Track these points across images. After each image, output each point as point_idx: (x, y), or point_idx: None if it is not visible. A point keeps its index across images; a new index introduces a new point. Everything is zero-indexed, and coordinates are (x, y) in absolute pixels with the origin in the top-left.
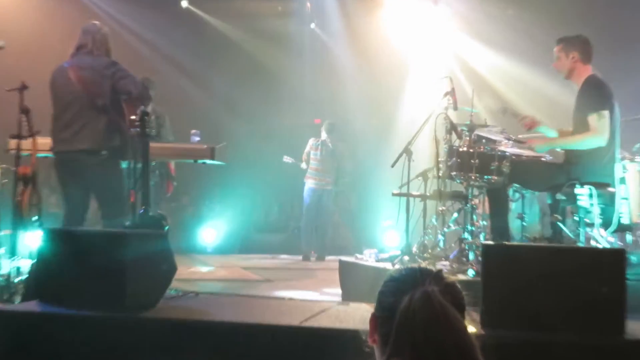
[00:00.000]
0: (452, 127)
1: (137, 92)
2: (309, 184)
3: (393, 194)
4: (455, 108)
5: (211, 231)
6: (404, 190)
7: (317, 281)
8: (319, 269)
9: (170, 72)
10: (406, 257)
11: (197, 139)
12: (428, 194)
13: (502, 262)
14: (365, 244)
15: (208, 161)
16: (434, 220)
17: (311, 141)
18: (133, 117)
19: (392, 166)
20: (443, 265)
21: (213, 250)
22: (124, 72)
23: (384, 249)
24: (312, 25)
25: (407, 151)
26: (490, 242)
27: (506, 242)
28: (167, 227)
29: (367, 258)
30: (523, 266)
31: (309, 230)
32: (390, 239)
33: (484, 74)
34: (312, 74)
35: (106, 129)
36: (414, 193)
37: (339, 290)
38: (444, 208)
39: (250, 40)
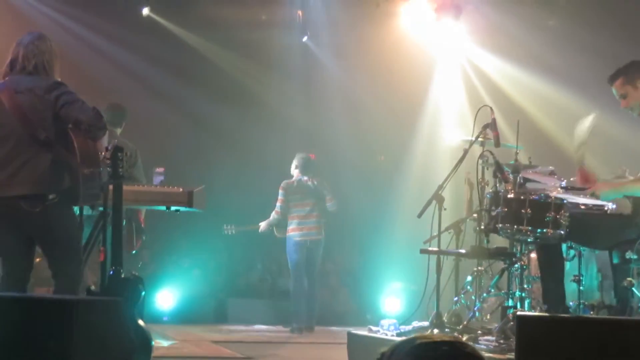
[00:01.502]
0: (498, 169)
1: (88, 121)
2: (293, 236)
3: (422, 251)
4: (497, 144)
5: (168, 295)
6: (429, 244)
7: (311, 358)
8: (309, 342)
9: (131, 94)
10: (436, 330)
11: (161, 178)
12: (462, 250)
13: (545, 339)
14: (369, 310)
15: (182, 208)
16: (468, 283)
17: (284, 184)
18: (102, 152)
19: (420, 216)
20: (485, 341)
21: (170, 319)
22: (70, 95)
23: (383, 316)
24: (305, 39)
25: (437, 197)
26: (527, 313)
27: (562, 313)
28: (143, 293)
29: (385, 330)
30: (574, 345)
31: (300, 294)
32: (391, 304)
33: (519, 100)
34: (304, 97)
35: (51, 167)
36: (450, 250)
37: None
38: (481, 268)
39: (227, 55)
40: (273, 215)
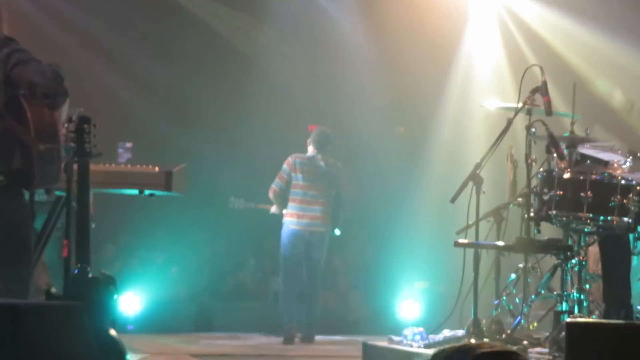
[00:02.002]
0: (552, 143)
1: (45, 85)
2: (289, 223)
3: (456, 244)
4: (549, 112)
5: (132, 298)
6: (464, 236)
7: None
8: (309, 356)
9: (90, 58)
10: (472, 340)
11: (128, 155)
12: (505, 242)
13: (600, 348)
14: (385, 316)
15: (160, 192)
16: (511, 283)
17: (291, 159)
18: (66, 124)
19: (453, 201)
20: (537, 354)
21: (137, 327)
22: (23, 53)
23: (400, 324)
24: None
25: (474, 178)
26: (578, 319)
27: (625, 317)
28: (115, 296)
29: (410, 341)
30: (633, 356)
31: (292, 296)
32: (409, 310)
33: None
34: (307, 58)
35: (0, 144)
36: (490, 243)
37: None
38: (528, 265)
39: (212, 10)
40: (270, 194)
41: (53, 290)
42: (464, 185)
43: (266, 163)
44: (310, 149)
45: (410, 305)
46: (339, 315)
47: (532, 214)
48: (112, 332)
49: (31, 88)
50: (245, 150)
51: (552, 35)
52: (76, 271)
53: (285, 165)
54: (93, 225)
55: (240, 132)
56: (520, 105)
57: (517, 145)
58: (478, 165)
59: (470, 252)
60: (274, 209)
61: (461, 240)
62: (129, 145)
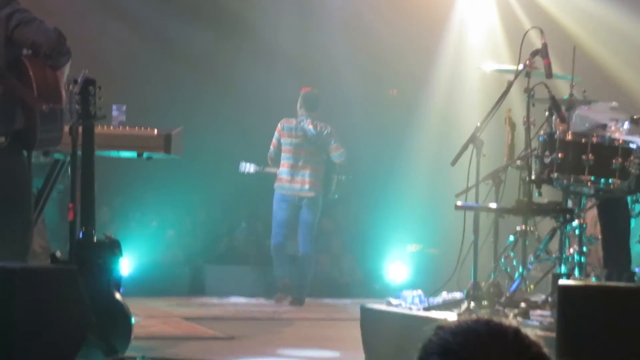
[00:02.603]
0: (554, 106)
1: (48, 45)
2: (280, 189)
3: (457, 207)
4: (550, 75)
5: (124, 260)
6: (464, 198)
7: (305, 338)
8: (302, 318)
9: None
10: (472, 304)
11: (122, 118)
12: (504, 205)
13: (592, 311)
14: (374, 279)
15: (158, 155)
16: (509, 246)
17: (282, 124)
18: (70, 85)
19: (454, 163)
20: (539, 316)
21: (127, 290)
22: (25, 13)
23: (389, 287)
24: None
25: (475, 141)
26: (570, 282)
27: (627, 280)
28: (120, 259)
29: (409, 304)
30: (630, 319)
31: (282, 259)
32: (397, 272)
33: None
34: (297, 18)
35: (2, 105)
36: (494, 206)
37: (355, 355)
38: (527, 228)
39: None
40: (268, 160)
41: (58, 253)
42: (464, 147)
43: (257, 126)
44: (301, 112)
45: (399, 267)
46: (330, 278)
47: (533, 177)
48: (118, 295)
49: (34, 48)
50: (242, 114)
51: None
52: (81, 235)
53: (275, 132)
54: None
55: (237, 95)
56: (520, 67)
57: (514, 109)
58: (478, 128)
59: (469, 215)
60: (269, 168)
61: (460, 203)
62: (123, 107)
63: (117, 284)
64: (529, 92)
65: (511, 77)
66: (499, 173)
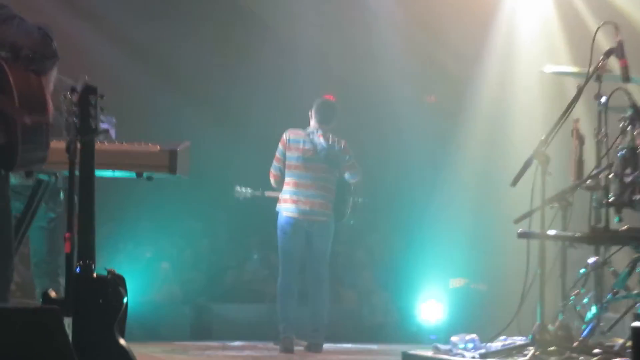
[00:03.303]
0: (637, 115)
1: (31, 46)
2: (284, 210)
3: (520, 235)
4: (627, 78)
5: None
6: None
7: None
8: None
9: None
10: (536, 352)
11: (112, 132)
12: (574, 233)
13: None
14: (401, 319)
15: (161, 175)
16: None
17: (285, 135)
18: (68, 94)
19: (514, 184)
20: None
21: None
22: (4, 9)
23: (422, 328)
24: None
25: (539, 157)
26: None
27: None
28: (125, 299)
29: (462, 350)
30: None
31: (289, 297)
32: (430, 312)
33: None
34: (325, 22)
35: None
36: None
37: None
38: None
39: None
40: (271, 179)
41: (52, 293)
42: (526, 165)
43: (273, 140)
44: (312, 123)
45: (433, 306)
46: (360, 318)
47: (611, 199)
48: (122, 341)
49: (14, 50)
50: (251, 125)
51: None
52: (78, 269)
53: (280, 145)
54: None
55: (244, 103)
56: (591, 69)
57: (582, 118)
58: (544, 142)
59: (529, 244)
60: (270, 192)
61: (527, 230)
62: (113, 120)
63: (121, 328)
64: (598, 98)
65: (576, 81)
66: (565, 195)
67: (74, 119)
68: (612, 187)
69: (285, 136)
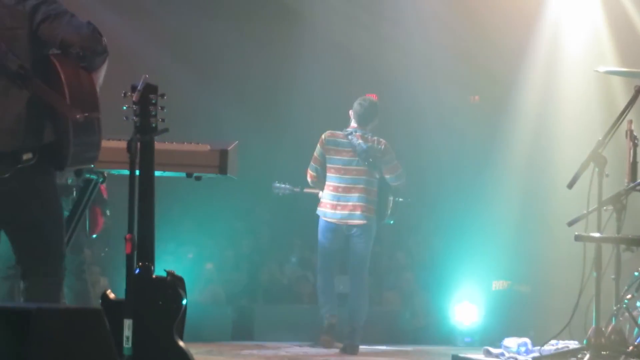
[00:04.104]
0: None
1: (81, 43)
2: (324, 215)
3: (577, 238)
4: None
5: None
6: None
7: None
8: None
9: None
10: (591, 356)
11: None
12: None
13: None
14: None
15: (210, 175)
16: (635, 285)
17: (324, 136)
18: (129, 92)
19: (570, 186)
20: None
21: None
22: (54, 5)
23: (455, 330)
24: None
25: (596, 158)
26: None
27: None
28: (185, 301)
29: (514, 354)
30: None
31: (329, 297)
32: (465, 314)
33: None
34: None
35: (27, 112)
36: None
37: None
38: None
39: None
40: (308, 179)
41: (111, 295)
42: (584, 166)
43: (316, 139)
44: (352, 123)
45: (466, 308)
46: (402, 320)
47: None
48: (181, 343)
49: (64, 47)
50: (292, 123)
51: None
52: (137, 270)
53: (318, 145)
54: (107, 213)
55: (285, 101)
56: None
57: (636, 119)
58: (601, 143)
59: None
60: (321, 193)
61: (584, 234)
62: None
63: (180, 330)
64: None
65: (625, 81)
66: (620, 197)
67: (134, 117)
68: None
69: (323, 137)
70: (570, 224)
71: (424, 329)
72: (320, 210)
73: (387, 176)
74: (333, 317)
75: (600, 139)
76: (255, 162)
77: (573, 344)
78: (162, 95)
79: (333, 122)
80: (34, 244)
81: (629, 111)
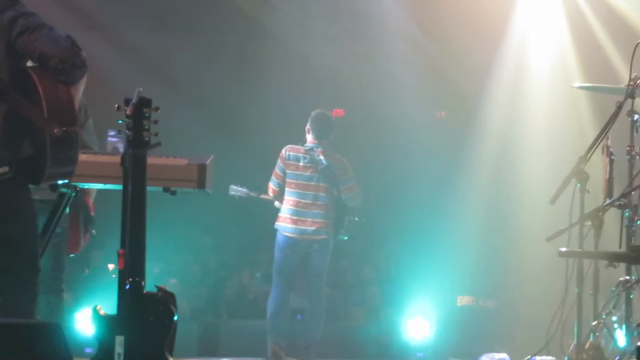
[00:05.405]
0: None
1: (60, 56)
2: (283, 230)
3: (560, 254)
4: None
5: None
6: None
7: None
8: None
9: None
10: None
11: (120, 145)
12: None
13: None
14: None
15: (188, 190)
16: (612, 301)
17: (285, 151)
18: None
19: (553, 202)
20: None
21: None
22: (32, 18)
23: (406, 345)
24: None
25: (578, 174)
26: None
27: None
28: (176, 317)
29: None
30: None
31: (282, 317)
32: (417, 329)
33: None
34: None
35: (5, 127)
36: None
37: None
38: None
39: None
40: (270, 193)
41: (101, 311)
42: (566, 182)
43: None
44: (309, 138)
45: (419, 323)
46: (368, 335)
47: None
48: (171, 359)
49: (43, 60)
50: (263, 140)
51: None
52: (128, 286)
53: (278, 160)
54: (93, 232)
55: (251, 115)
56: (630, 85)
57: (612, 135)
58: (583, 159)
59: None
60: (278, 203)
61: (567, 250)
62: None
63: (170, 345)
64: (631, 115)
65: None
66: (599, 213)
67: (127, 131)
68: None
69: (284, 153)
70: (549, 239)
71: (388, 344)
72: (279, 224)
73: (344, 195)
74: (277, 345)
75: (581, 154)
76: (223, 177)
77: (549, 359)
78: (156, 109)
79: (301, 137)
80: (9, 259)
81: (610, 127)
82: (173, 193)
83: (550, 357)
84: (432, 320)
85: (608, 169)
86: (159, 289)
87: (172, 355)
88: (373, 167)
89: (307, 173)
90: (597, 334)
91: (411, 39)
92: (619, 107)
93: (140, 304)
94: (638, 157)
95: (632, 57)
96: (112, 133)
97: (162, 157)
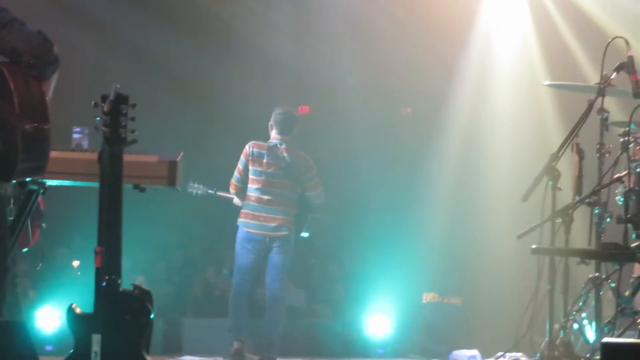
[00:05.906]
0: None
1: (31, 52)
2: (244, 226)
3: (533, 251)
4: (638, 94)
5: (50, 311)
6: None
7: None
8: None
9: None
10: None
11: (84, 142)
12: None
13: None
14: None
15: (158, 187)
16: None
17: (248, 147)
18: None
19: (524, 199)
20: None
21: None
22: (3, 13)
23: (368, 341)
24: None
25: (550, 172)
26: (615, 339)
27: None
28: (152, 315)
29: None
30: None
31: (241, 308)
32: (378, 325)
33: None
34: (293, 25)
35: None
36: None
37: None
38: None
39: None
40: (231, 189)
41: (77, 309)
42: (537, 180)
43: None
44: (273, 134)
45: (380, 320)
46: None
47: (629, 215)
48: (147, 358)
49: (14, 56)
50: (222, 134)
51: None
52: (104, 284)
53: (242, 156)
54: (44, 225)
55: (212, 110)
56: (602, 82)
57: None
58: (555, 156)
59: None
60: (237, 200)
61: (540, 247)
62: (86, 130)
63: (147, 344)
64: (601, 113)
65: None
66: (568, 210)
67: (104, 128)
68: (630, 204)
69: (247, 149)
70: (521, 236)
71: (352, 341)
72: (241, 221)
73: (308, 193)
74: (239, 343)
75: (553, 152)
76: (188, 174)
77: (520, 356)
78: (133, 106)
79: (264, 131)
80: None
81: (582, 125)
82: (142, 190)
83: (520, 354)
84: (393, 317)
85: (578, 167)
86: (135, 287)
87: (148, 354)
88: (337, 164)
89: (271, 170)
90: (568, 330)
91: (376, 35)
92: (590, 105)
93: (116, 302)
94: (607, 155)
95: (604, 56)
96: (77, 129)
97: (133, 154)
